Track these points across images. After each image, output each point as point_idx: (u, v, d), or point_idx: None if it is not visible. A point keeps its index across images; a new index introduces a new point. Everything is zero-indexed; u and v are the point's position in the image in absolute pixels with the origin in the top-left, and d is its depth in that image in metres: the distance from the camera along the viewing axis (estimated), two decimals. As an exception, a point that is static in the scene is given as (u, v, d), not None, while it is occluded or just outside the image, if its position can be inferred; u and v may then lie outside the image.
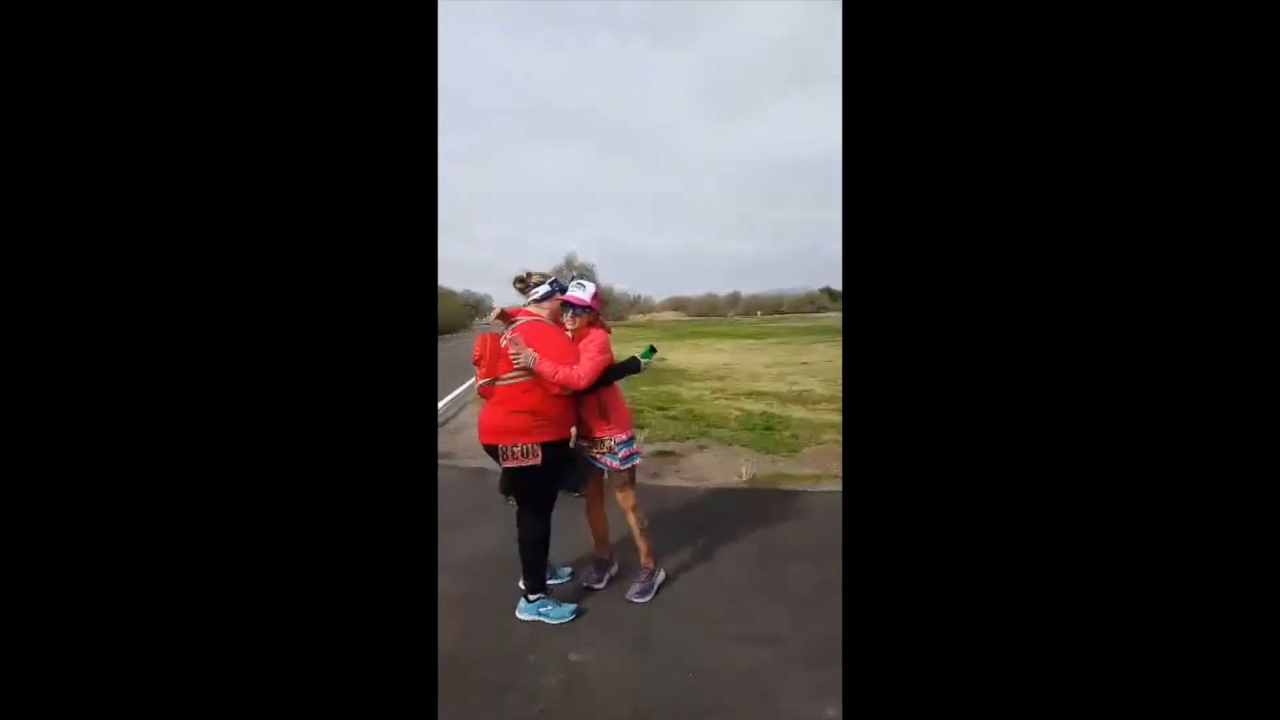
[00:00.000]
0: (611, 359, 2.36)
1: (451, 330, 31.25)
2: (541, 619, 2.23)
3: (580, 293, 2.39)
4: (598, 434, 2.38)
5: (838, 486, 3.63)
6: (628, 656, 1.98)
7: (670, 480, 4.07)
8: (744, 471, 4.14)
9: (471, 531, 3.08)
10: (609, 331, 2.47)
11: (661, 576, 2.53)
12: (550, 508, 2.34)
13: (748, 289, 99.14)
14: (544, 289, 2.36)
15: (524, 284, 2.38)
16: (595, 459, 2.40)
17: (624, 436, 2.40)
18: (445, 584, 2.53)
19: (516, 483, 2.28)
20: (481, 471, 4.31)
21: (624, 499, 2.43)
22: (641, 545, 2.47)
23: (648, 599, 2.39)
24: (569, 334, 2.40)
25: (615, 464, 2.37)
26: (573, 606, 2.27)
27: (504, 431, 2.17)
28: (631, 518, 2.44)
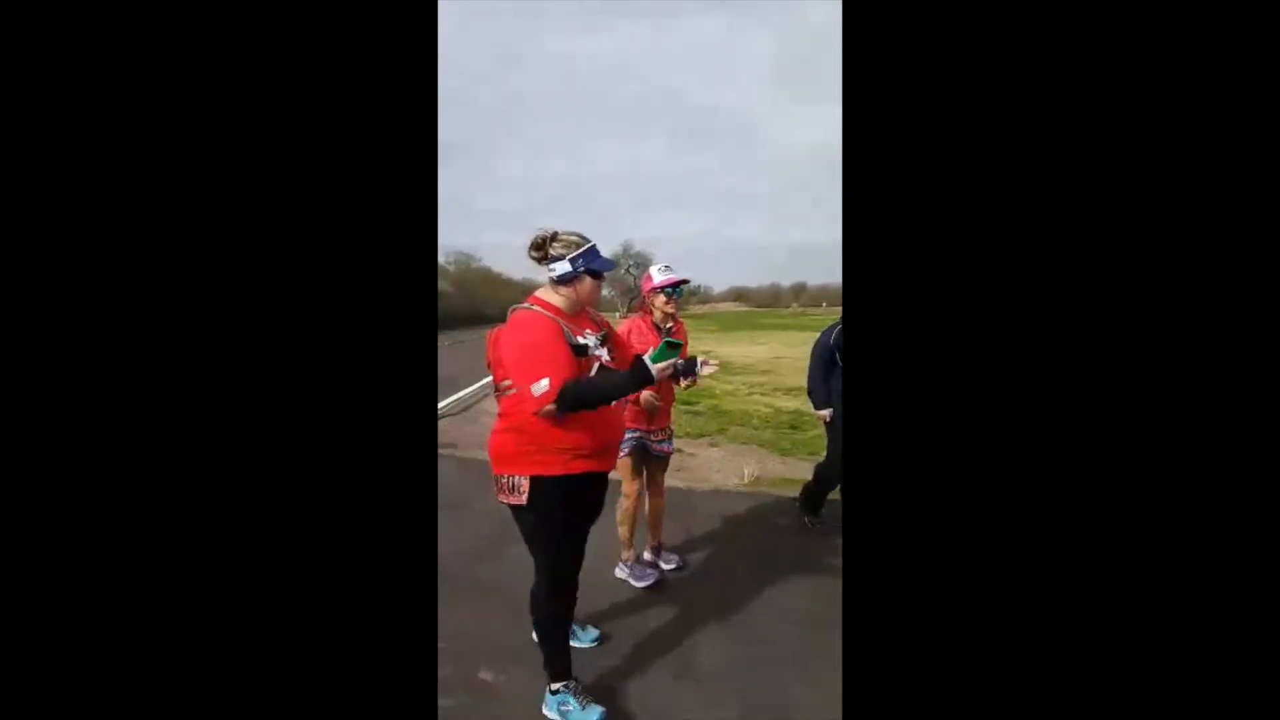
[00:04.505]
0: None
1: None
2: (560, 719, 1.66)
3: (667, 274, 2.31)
4: (667, 421, 2.41)
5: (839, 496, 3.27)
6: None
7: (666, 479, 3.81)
8: (746, 474, 3.83)
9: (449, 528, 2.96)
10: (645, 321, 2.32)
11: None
12: (564, 567, 1.64)
13: (815, 279, 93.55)
14: (563, 268, 1.53)
15: (540, 252, 1.56)
16: (655, 445, 2.37)
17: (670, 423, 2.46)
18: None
19: (520, 528, 1.63)
20: (486, 464, 4.25)
21: (661, 484, 2.51)
22: (660, 530, 2.57)
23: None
24: (662, 324, 2.29)
25: (670, 449, 2.44)
26: (600, 711, 1.63)
27: (494, 455, 1.59)
28: (661, 502, 2.53)
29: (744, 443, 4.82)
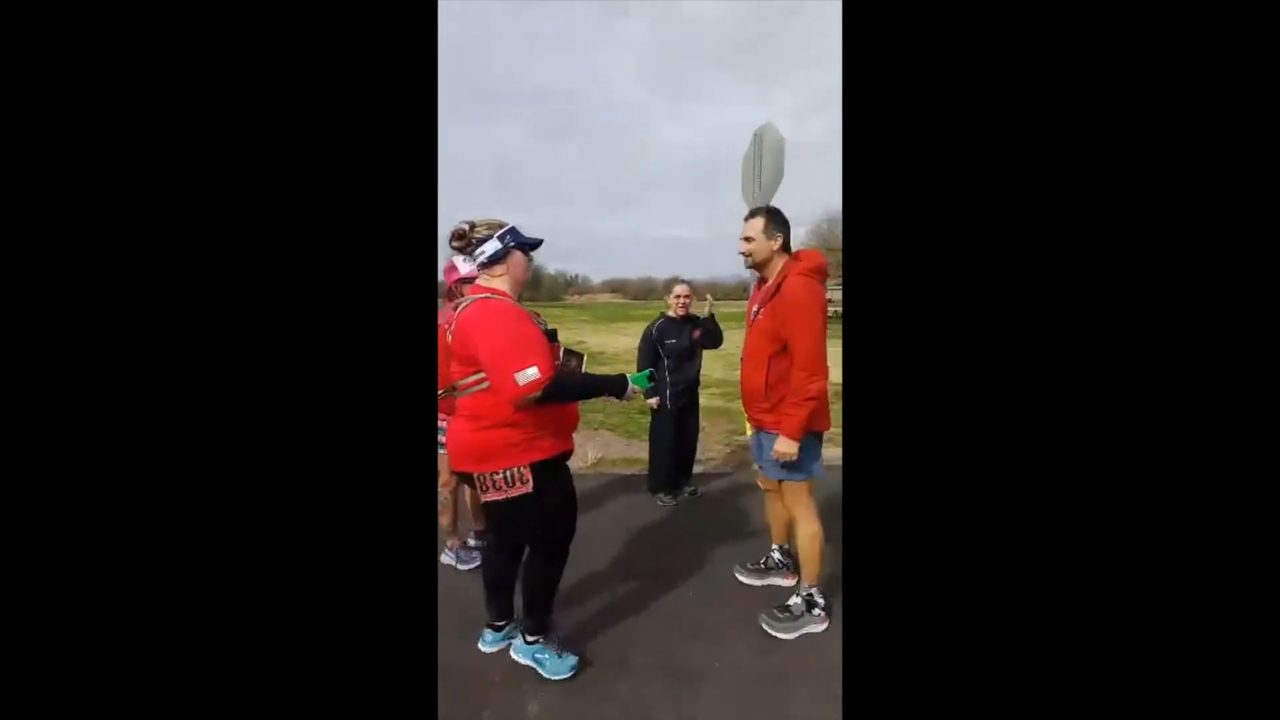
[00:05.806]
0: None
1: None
2: (536, 667, 1.80)
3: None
4: None
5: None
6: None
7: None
8: (590, 456, 4.22)
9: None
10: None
11: None
12: (564, 544, 1.81)
13: (688, 274, 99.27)
14: (492, 246, 1.63)
15: (464, 241, 1.65)
16: None
17: None
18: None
19: (509, 521, 1.69)
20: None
21: None
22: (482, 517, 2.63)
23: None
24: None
25: None
26: (574, 660, 1.81)
27: (478, 455, 1.59)
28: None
29: (595, 429, 5.22)
